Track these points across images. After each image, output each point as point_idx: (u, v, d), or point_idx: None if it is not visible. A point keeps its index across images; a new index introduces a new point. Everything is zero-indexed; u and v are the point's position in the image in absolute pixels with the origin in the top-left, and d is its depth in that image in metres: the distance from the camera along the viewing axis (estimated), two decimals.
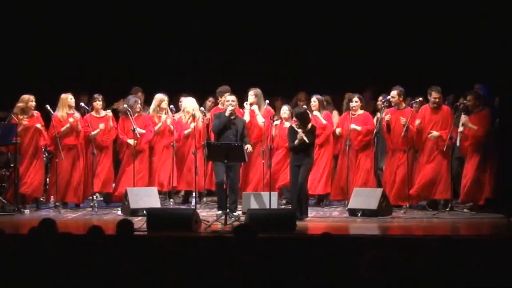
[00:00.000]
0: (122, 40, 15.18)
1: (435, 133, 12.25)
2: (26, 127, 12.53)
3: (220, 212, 11.46)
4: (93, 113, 12.92)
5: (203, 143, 12.39)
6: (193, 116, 12.75)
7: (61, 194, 12.68)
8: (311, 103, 12.88)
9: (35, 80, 14.14)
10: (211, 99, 13.77)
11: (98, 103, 12.92)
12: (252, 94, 12.86)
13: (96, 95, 12.97)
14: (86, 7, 15.09)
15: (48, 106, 12.68)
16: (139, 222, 10.81)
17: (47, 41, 15.13)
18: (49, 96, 12.82)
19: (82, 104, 12.89)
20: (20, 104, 12.55)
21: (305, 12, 14.94)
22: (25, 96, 12.57)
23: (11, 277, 5.99)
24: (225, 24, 15.07)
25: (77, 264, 6.03)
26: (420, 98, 12.58)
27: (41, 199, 13.10)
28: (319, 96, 12.90)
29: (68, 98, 12.76)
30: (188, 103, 13.07)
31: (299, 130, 11.57)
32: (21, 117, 12.52)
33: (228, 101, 11.89)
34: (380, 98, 13.06)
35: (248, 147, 11.76)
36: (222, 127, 11.69)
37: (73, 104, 12.79)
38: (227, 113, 11.71)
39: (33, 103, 12.55)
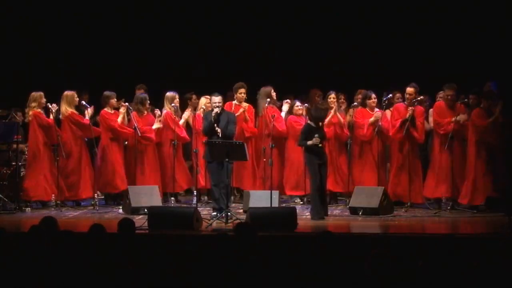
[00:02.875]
0: (123, 39, 15.20)
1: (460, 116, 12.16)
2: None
3: (215, 213, 11.45)
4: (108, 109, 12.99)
5: (204, 142, 12.36)
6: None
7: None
8: (328, 100, 12.85)
9: (36, 78, 14.15)
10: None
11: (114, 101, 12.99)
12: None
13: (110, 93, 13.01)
14: (87, 5, 15.11)
15: (84, 102, 12.81)
16: (140, 221, 10.82)
17: (48, 40, 15.15)
18: (49, 94, 12.82)
19: (83, 102, 12.89)
20: (32, 104, 12.55)
21: (314, 9, 14.98)
22: (35, 94, 12.58)
23: (12, 276, 5.99)
24: (234, 20, 15.09)
25: (78, 262, 6.03)
26: (421, 97, 12.57)
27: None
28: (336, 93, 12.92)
29: (74, 96, 12.79)
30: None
31: (315, 136, 11.56)
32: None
33: (215, 102, 11.78)
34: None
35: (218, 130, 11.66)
36: (208, 130, 11.66)
37: (77, 103, 12.82)
38: (212, 116, 11.64)
39: (44, 100, 12.56)
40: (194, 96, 13.32)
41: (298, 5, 15.02)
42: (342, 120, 12.78)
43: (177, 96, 13.00)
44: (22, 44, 15.05)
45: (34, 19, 15.12)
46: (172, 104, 12.91)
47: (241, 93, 12.86)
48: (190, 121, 13.02)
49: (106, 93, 12.97)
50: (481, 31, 14.04)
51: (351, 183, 12.57)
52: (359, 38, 14.82)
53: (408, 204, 12.25)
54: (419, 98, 12.49)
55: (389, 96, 12.66)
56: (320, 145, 11.59)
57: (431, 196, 12.45)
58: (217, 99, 11.78)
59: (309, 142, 11.56)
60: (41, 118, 12.53)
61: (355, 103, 12.93)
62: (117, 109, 13.14)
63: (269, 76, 13.77)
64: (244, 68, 14.47)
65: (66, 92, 12.80)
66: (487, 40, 14.00)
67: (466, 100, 12.34)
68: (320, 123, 11.74)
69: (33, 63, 14.98)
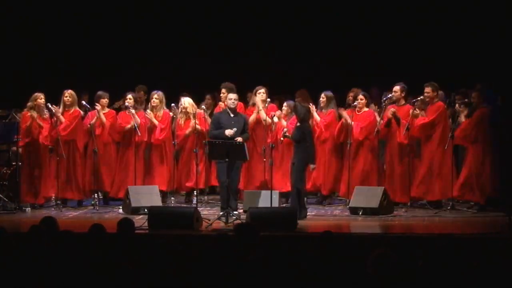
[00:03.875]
0: (123, 39, 15.20)
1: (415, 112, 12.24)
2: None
3: (222, 213, 11.43)
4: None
5: (204, 141, 12.35)
6: (188, 114, 12.69)
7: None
8: (320, 99, 12.85)
9: (36, 78, 14.15)
10: (208, 96, 13.79)
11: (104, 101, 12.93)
12: (264, 92, 12.84)
13: (102, 93, 12.97)
14: (87, 5, 15.12)
15: (84, 102, 12.78)
16: (140, 221, 10.83)
17: (48, 40, 15.16)
18: (49, 94, 12.82)
19: (83, 102, 12.88)
20: (29, 103, 12.54)
21: (308, 7, 14.98)
22: (35, 94, 12.58)
23: (12, 276, 5.99)
24: (226, 20, 15.09)
25: (78, 262, 6.03)
26: (421, 97, 12.55)
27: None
28: (328, 93, 12.85)
29: (63, 95, 12.78)
30: (185, 102, 12.95)
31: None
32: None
33: (230, 99, 11.82)
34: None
35: (238, 138, 11.64)
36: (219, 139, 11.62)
37: (69, 102, 12.76)
38: (228, 134, 11.58)
39: (42, 101, 12.52)
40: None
41: (298, 5, 15.03)
42: (318, 118, 12.71)
43: (153, 96, 12.95)
44: (22, 44, 15.05)
45: (34, 19, 15.12)
46: (172, 104, 12.93)
47: (223, 92, 12.82)
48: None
49: (98, 93, 12.97)
50: (481, 31, 14.04)
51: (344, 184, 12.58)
52: (359, 38, 14.81)
53: (408, 204, 12.25)
54: (419, 98, 12.48)
55: (389, 96, 12.64)
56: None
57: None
58: (233, 96, 11.80)
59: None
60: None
61: (354, 103, 12.89)
62: (116, 109, 13.17)
63: (268, 76, 13.80)
64: (244, 68, 14.46)
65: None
66: (487, 40, 13.99)
67: (466, 101, 12.38)
68: (300, 122, 11.69)
69: (33, 63, 14.97)
